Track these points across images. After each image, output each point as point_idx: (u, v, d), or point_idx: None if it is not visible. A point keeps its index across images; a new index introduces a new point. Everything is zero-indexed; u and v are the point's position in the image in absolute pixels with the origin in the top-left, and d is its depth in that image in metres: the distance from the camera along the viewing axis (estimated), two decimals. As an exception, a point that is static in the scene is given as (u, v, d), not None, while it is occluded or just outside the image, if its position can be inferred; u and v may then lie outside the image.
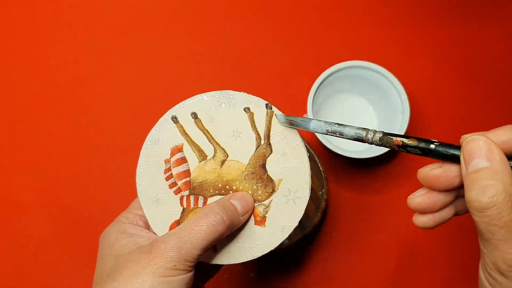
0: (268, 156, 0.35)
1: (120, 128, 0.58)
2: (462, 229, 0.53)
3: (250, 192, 0.35)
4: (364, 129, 0.29)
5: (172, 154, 0.36)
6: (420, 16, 0.60)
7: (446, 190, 0.28)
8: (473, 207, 0.24)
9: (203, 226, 0.31)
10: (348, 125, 0.30)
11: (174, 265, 0.29)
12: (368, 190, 0.55)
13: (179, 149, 0.36)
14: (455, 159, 0.26)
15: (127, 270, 0.29)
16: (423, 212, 0.28)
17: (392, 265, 0.52)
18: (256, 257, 0.35)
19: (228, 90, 0.36)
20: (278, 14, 0.61)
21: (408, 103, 0.50)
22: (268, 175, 0.35)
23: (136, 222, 0.35)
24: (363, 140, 0.29)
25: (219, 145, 0.36)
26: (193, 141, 0.36)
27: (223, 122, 0.36)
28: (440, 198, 0.28)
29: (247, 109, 0.36)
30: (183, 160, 0.36)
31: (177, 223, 0.35)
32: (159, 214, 0.35)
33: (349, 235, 0.53)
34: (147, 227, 0.35)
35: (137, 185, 0.35)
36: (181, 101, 0.36)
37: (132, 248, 0.32)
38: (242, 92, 0.36)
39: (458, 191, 0.28)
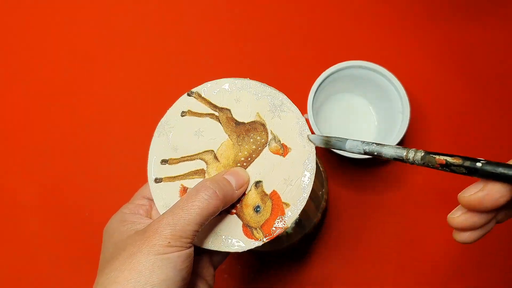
0: (231, 115, 0.37)
1: (120, 128, 0.58)
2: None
3: (254, 146, 0.36)
4: (404, 148, 0.28)
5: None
6: (420, 16, 0.60)
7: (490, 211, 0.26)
8: None
9: (195, 202, 0.31)
10: (387, 145, 0.29)
11: (169, 242, 0.29)
12: (368, 190, 0.55)
13: (184, 190, 0.37)
14: (503, 178, 0.24)
15: (124, 253, 0.30)
16: (464, 230, 0.27)
17: (392, 265, 0.52)
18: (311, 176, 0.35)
19: (160, 122, 0.37)
20: (278, 14, 0.61)
21: (408, 103, 0.50)
22: (247, 123, 0.37)
23: (137, 211, 0.36)
24: (403, 160, 0.28)
25: (200, 153, 0.37)
26: (184, 174, 0.37)
27: (182, 139, 0.37)
28: (482, 216, 0.26)
29: (183, 113, 0.37)
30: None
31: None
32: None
33: (349, 235, 0.53)
34: (148, 215, 0.36)
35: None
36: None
37: (130, 233, 0.32)
38: (167, 111, 0.37)
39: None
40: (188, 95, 0.37)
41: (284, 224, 0.35)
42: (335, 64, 0.51)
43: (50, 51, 0.61)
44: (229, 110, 0.37)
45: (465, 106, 0.57)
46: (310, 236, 0.52)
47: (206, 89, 0.37)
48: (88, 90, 0.59)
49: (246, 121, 0.37)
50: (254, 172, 0.36)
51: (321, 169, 0.51)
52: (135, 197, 0.38)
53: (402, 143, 0.56)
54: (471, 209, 0.26)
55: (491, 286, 0.52)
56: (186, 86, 0.59)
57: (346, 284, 0.52)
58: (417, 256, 0.53)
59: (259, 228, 0.35)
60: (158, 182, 0.37)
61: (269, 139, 0.36)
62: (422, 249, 0.53)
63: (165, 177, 0.37)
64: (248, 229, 0.35)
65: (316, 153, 0.52)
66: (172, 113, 0.37)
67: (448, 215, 0.27)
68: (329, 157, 0.55)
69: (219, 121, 0.37)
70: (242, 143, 0.36)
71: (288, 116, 0.36)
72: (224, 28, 0.61)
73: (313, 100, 0.50)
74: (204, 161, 0.37)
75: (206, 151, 0.37)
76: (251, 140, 0.36)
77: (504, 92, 0.57)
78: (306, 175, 0.35)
